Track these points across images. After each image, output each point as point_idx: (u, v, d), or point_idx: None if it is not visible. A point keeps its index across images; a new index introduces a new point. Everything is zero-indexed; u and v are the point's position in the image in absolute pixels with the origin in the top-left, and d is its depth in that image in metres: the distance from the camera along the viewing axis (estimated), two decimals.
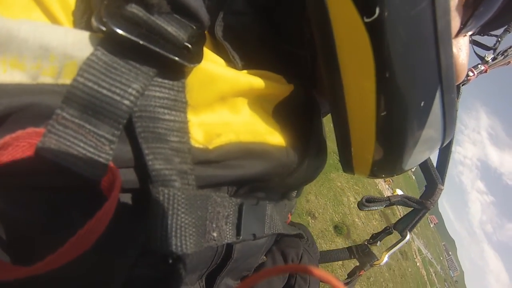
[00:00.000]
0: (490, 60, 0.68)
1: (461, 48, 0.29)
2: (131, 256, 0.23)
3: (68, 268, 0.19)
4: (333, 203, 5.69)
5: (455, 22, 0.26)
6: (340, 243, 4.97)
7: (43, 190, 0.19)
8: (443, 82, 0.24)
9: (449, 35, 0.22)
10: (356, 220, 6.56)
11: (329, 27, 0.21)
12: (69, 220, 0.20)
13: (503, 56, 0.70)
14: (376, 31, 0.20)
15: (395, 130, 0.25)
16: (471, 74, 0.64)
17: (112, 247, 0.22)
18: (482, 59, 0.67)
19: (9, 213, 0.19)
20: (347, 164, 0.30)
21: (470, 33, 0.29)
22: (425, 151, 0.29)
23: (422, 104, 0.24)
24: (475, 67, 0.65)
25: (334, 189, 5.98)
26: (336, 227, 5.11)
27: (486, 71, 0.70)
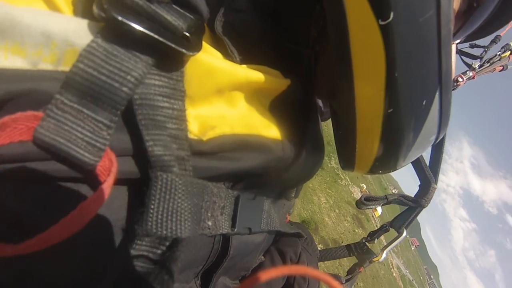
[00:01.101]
0: (477, 67, 0.73)
1: None
2: (125, 245, 0.23)
3: (62, 257, 0.19)
4: (302, 200, 5.71)
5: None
6: None
7: (35, 179, 0.19)
8: (442, 83, 0.25)
9: (450, 41, 0.24)
10: (326, 219, 6.58)
11: (345, 26, 0.22)
12: (61, 210, 0.20)
13: (489, 64, 0.75)
14: (389, 33, 0.21)
15: (399, 127, 0.26)
16: (460, 80, 0.68)
17: (107, 235, 0.22)
18: (469, 66, 0.71)
19: (3, 203, 0.19)
20: (349, 161, 0.31)
21: (457, 41, 0.32)
22: (421, 147, 0.31)
23: (424, 103, 0.26)
24: (464, 73, 0.69)
25: (304, 188, 6.04)
26: (303, 221, 5.11)
27: (474, 78, 0.74)
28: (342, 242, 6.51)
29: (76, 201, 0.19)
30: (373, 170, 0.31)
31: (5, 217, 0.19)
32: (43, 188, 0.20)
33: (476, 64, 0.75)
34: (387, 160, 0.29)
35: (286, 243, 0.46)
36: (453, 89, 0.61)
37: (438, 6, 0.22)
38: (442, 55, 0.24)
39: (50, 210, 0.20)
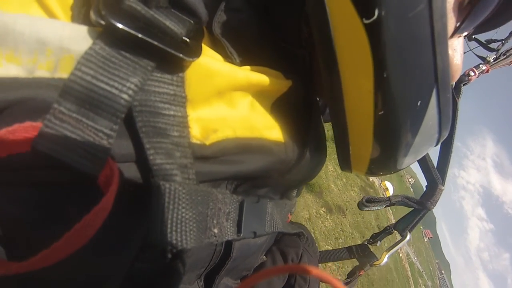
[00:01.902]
0: (492, 60, 0.68)
1: (456, 49, 0.29)
2: (130, 252, 0.23)
3: (67, 264, 0.19)
4: None
5: (450, 23, 0.26)
6: (310, 199, 5.07)
7: (38, 185, 0.19)
8: (439, 82, 0.24)
9: (445, 37, 0.23)
10: (332, 186, 6.58)
11: (328, 27, 0.21)
12: (65, 216, 0.20)
13: (505, 56, 0.70)
14: (374, 32, 0.20)
15: (392, 129, 0.26)
16: (472, 74, 0.64)
17: (111, 243, 0.22)
18: (483, 59, 0.67)
19: (3, 209, 0.19)
20: (345, 163, 0.30)
21: (465, 34, 0.30)
22: (421, 149, 0.30)
23: (418, 104, 0.24)
24: (477, 67, 0.65)
25: None
26: (307, 184, 5.15)
27: (487, 71, 0.70)
28: (346, 210, 6.53)
29: (80, 209, 0.19)
30: (371, 172, 0.30)
31: (6, 224, 0.19)
32: (45, 194, 0.20)
33: (491, 57, 0.70)
34: (383, 162, 0.29)
35: (288, 244, 0.46)
36: (465, 84, 0.58)
37: None
38: (436, 52, 0.23)
39: (53, 217, 0.20)
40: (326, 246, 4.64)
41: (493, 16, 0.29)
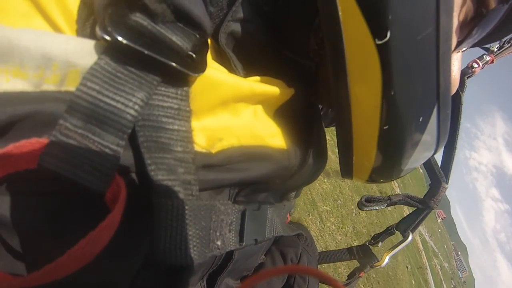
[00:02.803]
0: (496, 49, 0.65)
1: (454, 64, 0.31)
2: (133, 266, 0.23)
3: (67, 279, 0.19)
4: None
5: (453, 41, 0.27)
6: None
7: (44, 195, 0.19)
8: (440, 100, 0.26)
9: (449, 58, 0.24)
10: (329, 153, 6.52)
11: (341, 44, 0.22)
12: (73, 225, 0.20)
13: (509, 44, 0.66)
14: (386, 53, 0.21)
15: (396, 142, 0.27)
16: (475, 65, 0.61)
17: (112, 257, 0.22)
18: (487, 50, 0.64)
19: (10, 219, 0.19)
20: (347, 171, 0.31)
21: (464, 49, 0.31)
22: (420, 158, 0.32)
23: (420, 120, 0.26)
24: (480, 58, 0.61)
25: None
26: None
27: (492, 61, 0.67)
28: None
29: (87, 222, 0.19)
30: (372, 180, 0.31)
31: (13, 233, 0.19)
32: (53, 204, 0.20)
33: (495, 46, 0.66)
34: (384, 171, 0.30)
35: (287, 244, 0.47)
36: (469, 77, 0.56)
37: (437, 23, 0.21)
38: (440, 72, 0.24)
39: (62, 226, 0.20)
40: (324, 207, 4.63)
41: (494, 31, 0.29)
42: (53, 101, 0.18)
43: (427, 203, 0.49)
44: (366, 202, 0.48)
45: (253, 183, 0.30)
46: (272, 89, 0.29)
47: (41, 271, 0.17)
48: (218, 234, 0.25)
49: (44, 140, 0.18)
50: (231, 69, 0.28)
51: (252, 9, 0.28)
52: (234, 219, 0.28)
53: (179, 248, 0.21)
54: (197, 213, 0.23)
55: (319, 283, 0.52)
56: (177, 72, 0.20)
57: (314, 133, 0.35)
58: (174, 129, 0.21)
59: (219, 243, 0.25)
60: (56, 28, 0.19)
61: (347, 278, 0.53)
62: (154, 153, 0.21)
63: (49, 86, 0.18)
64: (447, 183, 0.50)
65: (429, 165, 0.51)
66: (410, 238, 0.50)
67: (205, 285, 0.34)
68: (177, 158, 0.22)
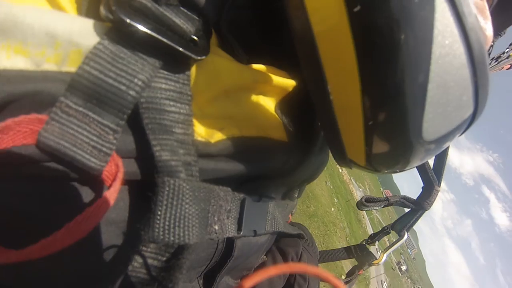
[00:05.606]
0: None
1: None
2: (129, 250, 0.22)
3: (62, 258, 0.19)
4: None
5: None
6: None
7: (40, 179, 0.19)
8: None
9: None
10: None
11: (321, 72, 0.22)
12: (67, 209, 0.20)
13: (496, 62, 0.72)
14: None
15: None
16: None
17: (108, 238, 0.22)
18: None
19: (5, 203, 0.19)
20: (339, 152, 0.27)
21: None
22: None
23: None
24: None
25: None
26: None
27: None
28: None
29: (81, 203, 0.19)
30: (372, 165, 0.27)
31: (7, 216, 0.19)
32: (47, 187, 0.19)
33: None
34: (386, 153, 0.26)
35: (288, 243, 0.46)
36: None
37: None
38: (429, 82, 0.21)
39: (54, 210, 0.20)
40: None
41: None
42: (53, 81, 0.18)
43: (421, 205, 0.52)
44: (366, 202, 0.50)
45: (253, 175, 0.30)
46: (274, 79, 0.28)
47: (38, 245, 0.17)
48: (216, 218, 0.25)
49: (43, 117, 0.18)
50: (233, 55, 0.28)
51: None
52: (233, 207, 0.27)
53: (178, 226, 0.21)
54: (197, 193, 0.23)
55: (319, 282, 0.53)
56: (180, 54, 0.20)
57: (316, 126, 0.34)
58: (176, 112, 0.22)
59: (216, 227, 0.25)
60: (59, 8, 0.18)
61: (346, 275, 0.55)
62: (158, 135, 0.21)
63: (50, 65, 0.18)
64: (439, 186, 0.53)
65: (422, 168, 0.54)
66: (405, 236, 0.52)
67: (203, 283, 0.33)
68: (178, 140, 0.22)
